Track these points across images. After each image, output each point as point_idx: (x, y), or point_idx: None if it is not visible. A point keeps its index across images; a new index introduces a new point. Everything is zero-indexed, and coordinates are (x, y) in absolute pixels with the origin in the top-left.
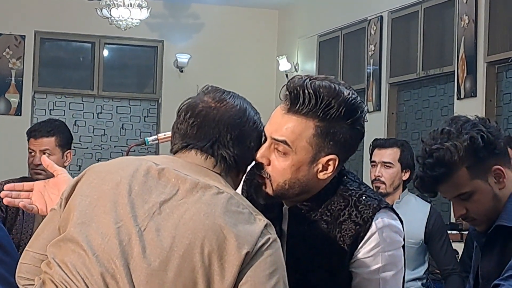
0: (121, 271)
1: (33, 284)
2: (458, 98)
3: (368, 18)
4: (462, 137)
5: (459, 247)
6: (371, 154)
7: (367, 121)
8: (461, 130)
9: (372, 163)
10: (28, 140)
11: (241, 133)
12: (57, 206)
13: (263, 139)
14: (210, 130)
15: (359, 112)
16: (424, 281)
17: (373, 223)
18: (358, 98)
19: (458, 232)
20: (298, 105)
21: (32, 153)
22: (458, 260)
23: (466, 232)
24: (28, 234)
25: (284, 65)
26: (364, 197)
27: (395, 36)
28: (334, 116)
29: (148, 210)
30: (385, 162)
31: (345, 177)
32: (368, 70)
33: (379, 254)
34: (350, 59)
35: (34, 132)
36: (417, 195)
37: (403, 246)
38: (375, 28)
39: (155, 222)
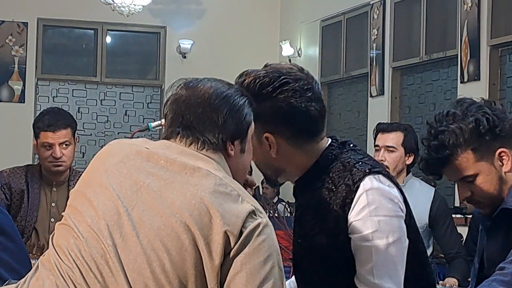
0: (111, 251)
1: None
2: (462, 82)
3: (371, 2)
4: (468, 120)
5: (463, 231)
6: (374, 139)
7: (287, 95)
8: (467, 112)
9: (376, 147)
10: (38, 134)
11: (207, 110)
12: None
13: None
14: (180, 115)
15: (269, 86)
16: None
17: (363, 184)
18: (271, 75)
19: (462, 216)
20: None
21: (48, 147)
22: (463, 244)
23: (470, 216)
24: (33, 222)
25: (287, 50)
26: (360, 163)
27: (398, 20)
28: (253, 96)
29: (136, 190)
30: (388, 146)
31: (349, 149)
32: (371, 55)
33: (367, 218)
34: (353, 44)
35: (52, 127)
36: (421, 179)
37: (409, 220)
38: (378, 12)
39: (143, 202)
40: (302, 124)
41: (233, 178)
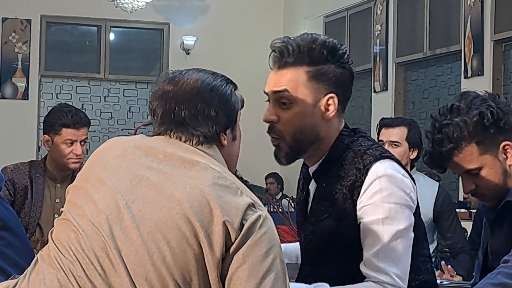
0: (111, 244)
1: None
2: (465, 77)
3: None
4: (472, 113)
5: (467, 225)
6: (378, 134)
7: (351, 63)
8: (471, 105)
9: (380, 142)
10: (59, 131)
11: (199, 103)
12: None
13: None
14: (170, 113)
15: (340, 51)
16: (433, 259)
17: (373, 169)
18: (336, 41)
19: (466, 211)
20: (284, 58)
21: (70, 143)
22: (467, 238)
23: (475, 211)
24: (36, 217)
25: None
26: (370, 150)
27: (402, 16)
28: (318, 58)
29: (136, 184)
30: (392, 141)
31: (360, 136)
32: (375, 50)
33: (379, 204)
34: (357, 40)
35: (77, 124)
36: (425, 174)
37: (416, 214)
38: (381, 8)
39: (143, 195)
40: (350, 94)
41: (227, 166)
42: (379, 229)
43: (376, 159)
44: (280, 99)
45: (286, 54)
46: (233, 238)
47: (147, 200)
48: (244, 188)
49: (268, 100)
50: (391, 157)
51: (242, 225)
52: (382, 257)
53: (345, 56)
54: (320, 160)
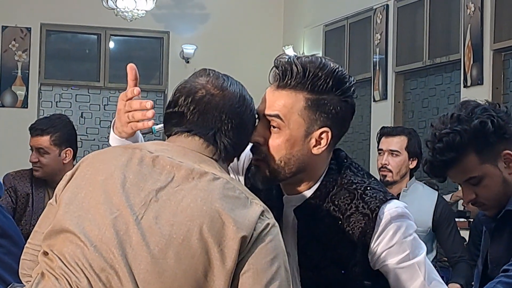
0: (120, 261)
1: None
2: (465, 86)
3: (374, 7)
4: (472, 122)
5: (466, 234)
6: (378, 142)
7: (356, 97)
8: (471, 114)
9: (379, 151)
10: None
11: (241, 121)
12: (53, 201)
13: (256, 121)
14: (212, 118)
15: (347, 84)
16: None
17: (384, 213)
18: (345, 71)
19: (465, 220)
20: (286, 79)
21: (30, 149)
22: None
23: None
24: None
25: (290, 54)
26: (369, 189)
27: (401, 25)
28: (322, 87)
29: (145, 198)
30: (392, 150)
31: (348, 170)
32: (374, 59)
33: (401, 241)
34: (356, 48)
35: (31, 130)
36: (424, 183)
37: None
38: (381, 17)
39: (153, 210)
40: (347, 129)
41: None
42: (413, 261)
43: (382, 202)
44: (272, 123)
45: (289, 76)
46: (243, 249)
47: (157, 216)
48: (252, 196)
49: (258, 118)
50: (393, 197)
51: (252, 235)
52: (429, 283)
53: (352, 89)
54: (307, 197)
